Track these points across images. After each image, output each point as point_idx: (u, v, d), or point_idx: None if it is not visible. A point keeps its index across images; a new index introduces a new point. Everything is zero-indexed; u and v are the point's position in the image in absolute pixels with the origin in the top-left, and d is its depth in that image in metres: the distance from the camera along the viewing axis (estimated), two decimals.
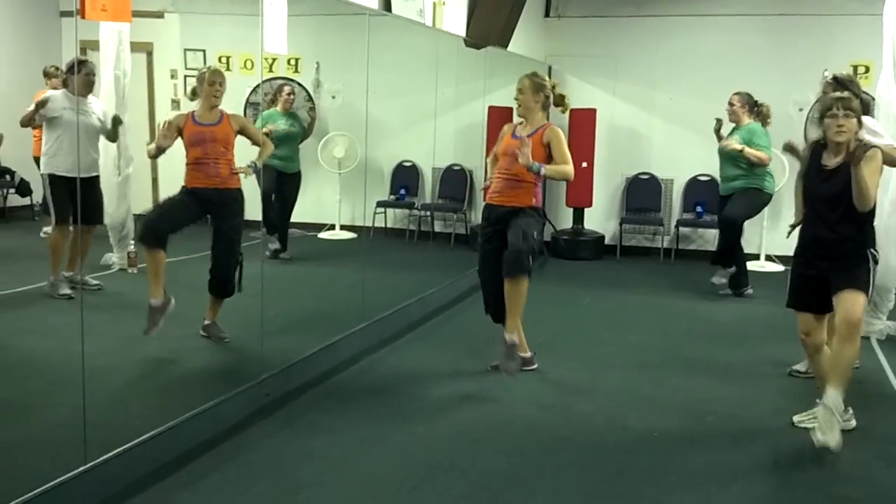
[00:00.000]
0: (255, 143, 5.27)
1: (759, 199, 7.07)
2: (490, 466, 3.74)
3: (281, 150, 7.74)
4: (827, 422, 3.80)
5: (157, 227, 4.87)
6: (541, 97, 4.81)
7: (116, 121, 6.25)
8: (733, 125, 7.07)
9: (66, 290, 5.85)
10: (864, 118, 4.50)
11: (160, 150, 4.84)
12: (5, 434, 3.79)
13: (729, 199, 7.05)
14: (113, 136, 6.28)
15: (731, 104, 7.03)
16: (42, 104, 5.72)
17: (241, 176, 5.07)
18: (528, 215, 4.75)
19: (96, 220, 6.27)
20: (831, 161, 3.94)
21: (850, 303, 3.85)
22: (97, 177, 6.19)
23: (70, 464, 3.19)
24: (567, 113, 5.11)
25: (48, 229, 6.20)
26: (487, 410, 4.45)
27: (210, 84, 4.99)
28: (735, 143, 6.82)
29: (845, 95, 3.96)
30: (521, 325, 4.88)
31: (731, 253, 7.16)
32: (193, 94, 5.13)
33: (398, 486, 3.53)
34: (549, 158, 4.72)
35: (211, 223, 5.05)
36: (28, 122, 5.86)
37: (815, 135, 4.85)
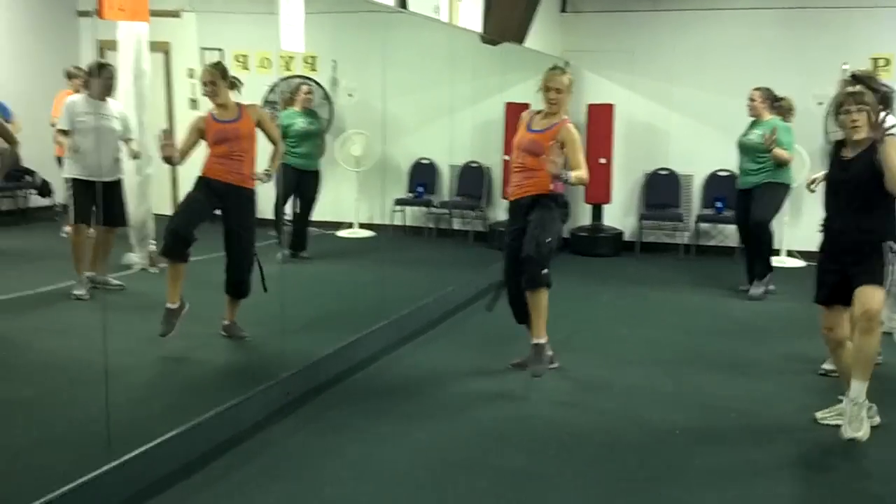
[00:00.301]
0: (270, 138, 5.22)
1: (780, 194, 7.00)
2: (511, 464, 3.74)
3: (301, 147, 7.78)
4: (855, 416, 3.84)
5: (181, 236, 4.84)
6: (572, 94, 4.83)
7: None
8: (753, 119, 7.01)
9: (80, 291, 5.88)
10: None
11: (170, 161, 4.84)
12: (30, 433, 3.83)
13: (747, 193, 6.99)
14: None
15: (751, 99, 6.96)
16: (66, 133, 5.79)
17: (257, 182, 5.08)
18: (546, 207, 4.72)
19: (119, 222, 6.31)
20: (849, 153, 3.99)
21: (867, 296, 3.87)
22: (120, 180, 6.23)
23: (94, 462, 3.22)
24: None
25: (68, 229, 6.24)
26: (508, 408, 4.44)
27: (204, 84, 4.97)
28: (778, 150, 6.68)
29: (856, 90, 3.98)
30: (545, 325, 4.86)
31: (766, 259, 7.04)
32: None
33: (419, 483, 3.54)
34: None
35: (223, 222, 5.05)
36: (64, 143, 5.90)
37: (834, 128, 4.82)
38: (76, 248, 5.96)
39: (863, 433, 3.82)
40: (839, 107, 3.98)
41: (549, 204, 4.73)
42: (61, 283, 6.05)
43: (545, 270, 4.64)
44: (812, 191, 5.12)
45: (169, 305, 4.91)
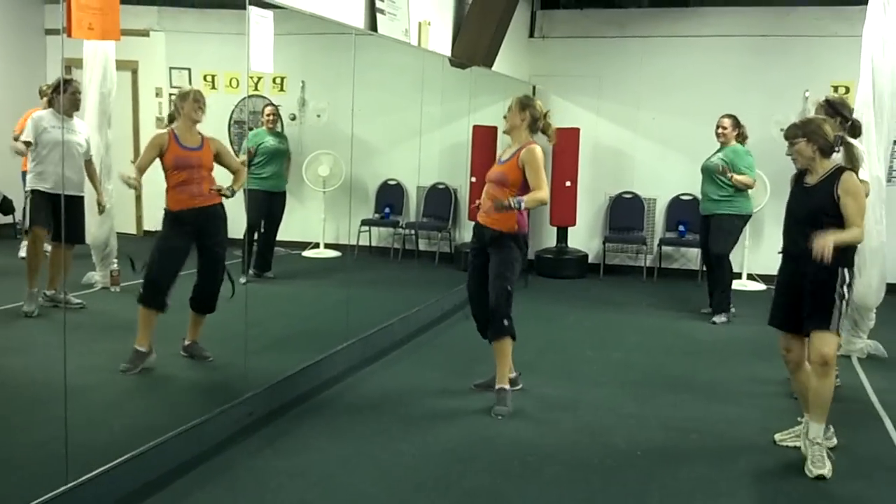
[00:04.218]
0: (230, 169, 5.20)
1: (738, 225, 7.10)
2: (474, 484, 3.74)
3: (269, 168, 7.76)
4: (817, 457, 3.94)
5: (159, 288, 4.83)
6: (526, 115, 4.82)
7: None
8: (720, 146, 7.10)
9: (30, 308, 5.81)
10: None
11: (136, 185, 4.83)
12: None
13: (708, 220, 7.10)
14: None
15: (724, 127, 7.06)
16: (17, 138, 5.74)
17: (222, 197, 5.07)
18: (507, 246, 4.78)
19: (78, 239, 6.24)
20: (811, 180, 4.07)
21: (821, 342, 3.95)
22: (82, 197, 6.17)
23: (51, 483, 3.17)
24: (552, 142, 5.12)
25: (24, 252, 6.16)
26: (471, 428, 4.45)
27: (195, 101, 4.96)
28: (738, 176, 6.83)
29: (789, 126, 4.14)
30: (509, 371, 4.91)
31: (726, 291, 7.13)
32: (172, 118, 5.07)
33: None
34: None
35: (197, 241, 5.02)
36: (21, 150, 5.84)
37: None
38: (31, 261, 5.89)
39: (827, 470, 3.89)
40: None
41: (509, 244, 4.79)
42: (19, 301, 5.96)
43: (507, 321, 4.76)
44: None
45: (138, 348, 4.84)
